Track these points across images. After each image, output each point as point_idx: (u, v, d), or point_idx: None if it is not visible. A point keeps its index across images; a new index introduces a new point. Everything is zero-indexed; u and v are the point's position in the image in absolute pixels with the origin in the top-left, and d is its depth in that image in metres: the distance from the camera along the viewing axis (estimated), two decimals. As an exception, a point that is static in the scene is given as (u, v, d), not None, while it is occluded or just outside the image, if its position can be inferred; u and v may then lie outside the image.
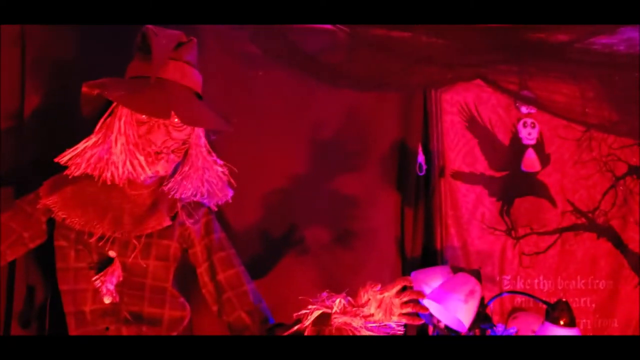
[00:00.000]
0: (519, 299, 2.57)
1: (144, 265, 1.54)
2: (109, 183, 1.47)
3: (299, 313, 1.44)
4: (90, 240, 1.50)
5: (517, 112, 2.63)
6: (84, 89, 1.44)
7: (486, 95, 2.57)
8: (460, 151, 2.54)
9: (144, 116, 1.44)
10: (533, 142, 2.64)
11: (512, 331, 2.10)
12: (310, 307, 1.42)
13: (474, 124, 2.56)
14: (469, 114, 2.56)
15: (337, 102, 2.28)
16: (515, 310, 2.56)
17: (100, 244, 1.50)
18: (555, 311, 1.92)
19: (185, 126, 1.49)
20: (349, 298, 1.42)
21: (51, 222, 1.53)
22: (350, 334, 1.39)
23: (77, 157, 1.46)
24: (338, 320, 1.40)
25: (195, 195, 1.57)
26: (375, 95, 2.34)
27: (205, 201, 1.63)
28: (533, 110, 2.62)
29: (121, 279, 1.51)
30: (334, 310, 1.41)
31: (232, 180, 1.62)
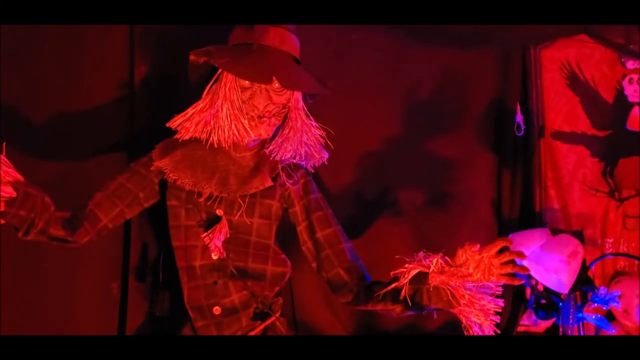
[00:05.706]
0: (622, 262, 2.50)
1: (249, 223, 1.62)
2: (215, 146, 1.54)
3: (396, 271, 1.46)
4: (200, 200, 1.59)
5: (623, 68, 2.52)
6: (191, 57, 1.51)
7: (589, 51, 2.47)
8: (560, 110, 2.47)
9: (247, 82, 1.50)
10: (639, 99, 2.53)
11: (615, 295, 2.03)
12: (407, 266, 1.44)
13: (575, 82, 2.48)
14: (570, 71, 2.47)
15: (432, 61, 2.24)
16: (618, 274, 2.49)
17: (209, 203, 1.60)
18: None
19: (285, 90, 1.53)
20: (446, 258, 1.42)
21: (163, 183, 1.63)
22: (448, 293, 1.41)
23: (186, 122, 1.54)
24: (436, 279, 1.41)
25: (294, 157, 1.63)
26: (471, 54, 2.28)
27: (302, 163, 1.67)
28: (640, 66, 2.50)
29: (228, 236, 1.60)
30: (431, 270, 1.42)
31: (329, 143, 1.65)
